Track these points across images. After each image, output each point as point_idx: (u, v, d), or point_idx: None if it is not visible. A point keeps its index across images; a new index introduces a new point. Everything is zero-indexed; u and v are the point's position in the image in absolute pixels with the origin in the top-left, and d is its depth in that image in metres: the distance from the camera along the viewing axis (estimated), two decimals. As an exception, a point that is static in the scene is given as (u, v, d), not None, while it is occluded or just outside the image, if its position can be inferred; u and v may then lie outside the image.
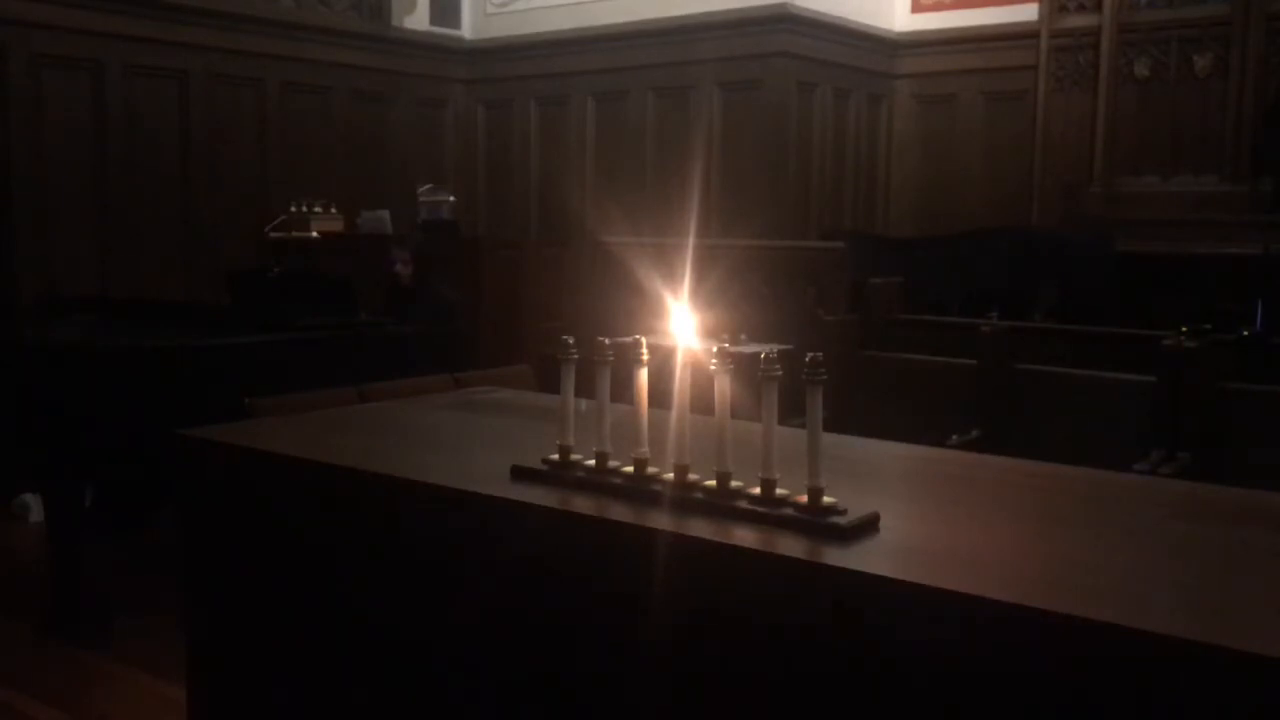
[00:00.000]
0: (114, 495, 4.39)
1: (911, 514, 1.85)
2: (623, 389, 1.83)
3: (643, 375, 1.79)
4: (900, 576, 1.45)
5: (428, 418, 2.61)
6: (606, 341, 1.85)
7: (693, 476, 1.75)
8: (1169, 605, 1.41)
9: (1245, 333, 4.92)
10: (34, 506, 5.20)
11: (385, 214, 8.01)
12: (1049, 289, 6.87)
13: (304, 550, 2.12)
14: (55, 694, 3.68)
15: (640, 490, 1.78)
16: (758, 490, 1.68)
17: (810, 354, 1.62)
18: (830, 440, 1.74)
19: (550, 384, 2.68)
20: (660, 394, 1.77)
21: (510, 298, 7.31)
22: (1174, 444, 4.08)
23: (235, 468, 2.24)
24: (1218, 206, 7.75)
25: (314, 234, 7.97)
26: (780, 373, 1.66)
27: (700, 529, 1.65)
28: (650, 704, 1.67)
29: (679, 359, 1.73)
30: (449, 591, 1.90)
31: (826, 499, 1.63)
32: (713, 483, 1.73)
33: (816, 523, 1.61)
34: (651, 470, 1.79)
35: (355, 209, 8.20)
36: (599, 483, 1.83)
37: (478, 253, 7.49)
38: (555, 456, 1.90)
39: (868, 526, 1.62)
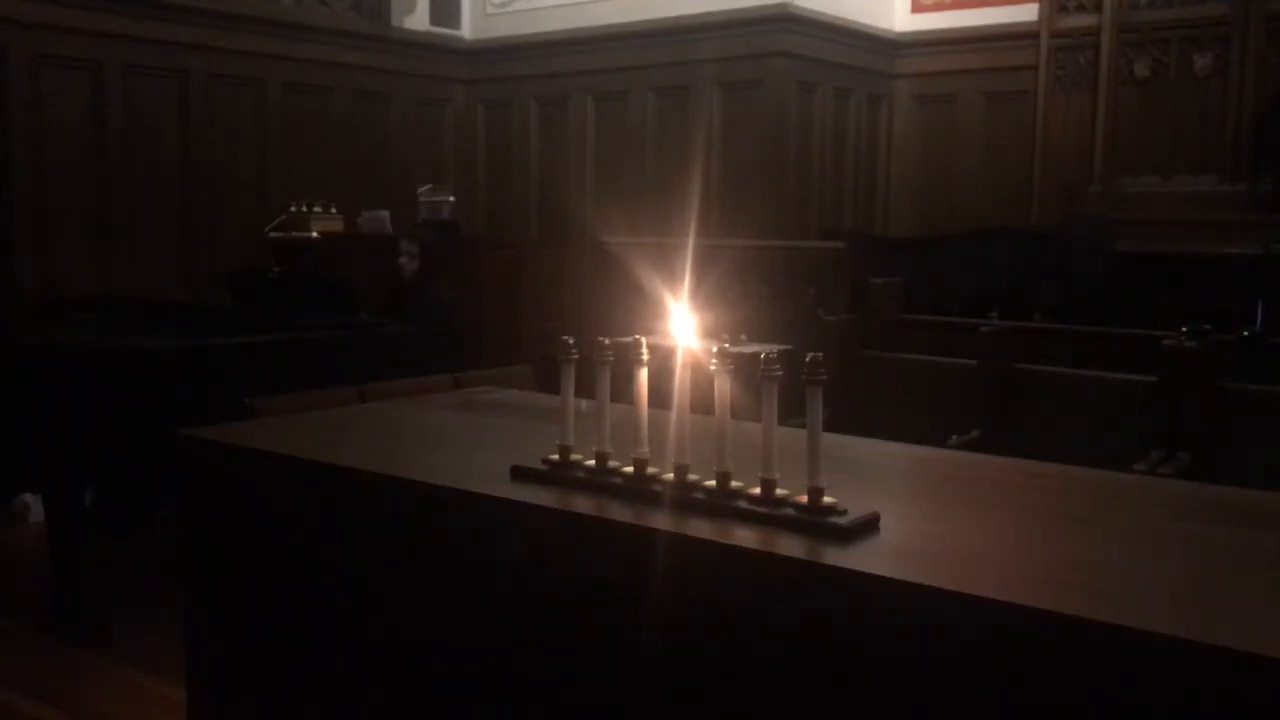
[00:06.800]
0: (114, 495, 4.40)
1: (911, 514, 1.85)
2: (623, 389, 1.83)
3: (643, 375, 1.79)
4: (900, 576, 1.45)
5: (428, 418, 2.61)
6: (606, 341, 1.85)
7: (693, 476, 1.75)
8: (1169, 605, 1.41)
9: (1245, 333, 4.92)
10: (34, 506, 5.20)
11: (385, 214, 8.02)
12: (1049, 289, 6.87)
13: (304, 550, 2.12)
14: (55, 694, 3.68)
15: (640, 490, 1.78)
16: (758, 490, 1.68)
17: (810, 354, 1.62)
18: (830, 440, 1.74)
19: (550, 384, 2.68)
20: (660, 394, 1.77)
21: (510, 298, 7.31)
22: (1174, 444, 4.08)
23: (235, 468, 2.24)
24: (1218, 206, 7.75)
25: (314, 234, 7.97)
26: (780, 373, 1.66)
27: (700, 529, 1.65)
28: (650, 704, 1.67)
29: (679, 359, 1.73)
30: (449, 591, 1.90)
31: (826, 499, 1.63)
32: (713, 483, 1.73)
33: (816, 523, 1.61)
34: (651, 470, 1.79)
35: (355, 209, 8.20)
36: (599, 483, 1.83)
37: (478, 253, 7.49)
38: (555, 456, 1.90)
39: (868, 526, 1.62)
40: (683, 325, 1.77)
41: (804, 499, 1.64)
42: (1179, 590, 1.48)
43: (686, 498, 1.73)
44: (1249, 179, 7.76)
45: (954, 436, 4.40)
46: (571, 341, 1.87)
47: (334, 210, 8.19)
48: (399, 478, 1.97)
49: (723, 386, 1.70)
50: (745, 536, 1.61)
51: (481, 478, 1.92)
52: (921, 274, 6.39)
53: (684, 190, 8.15)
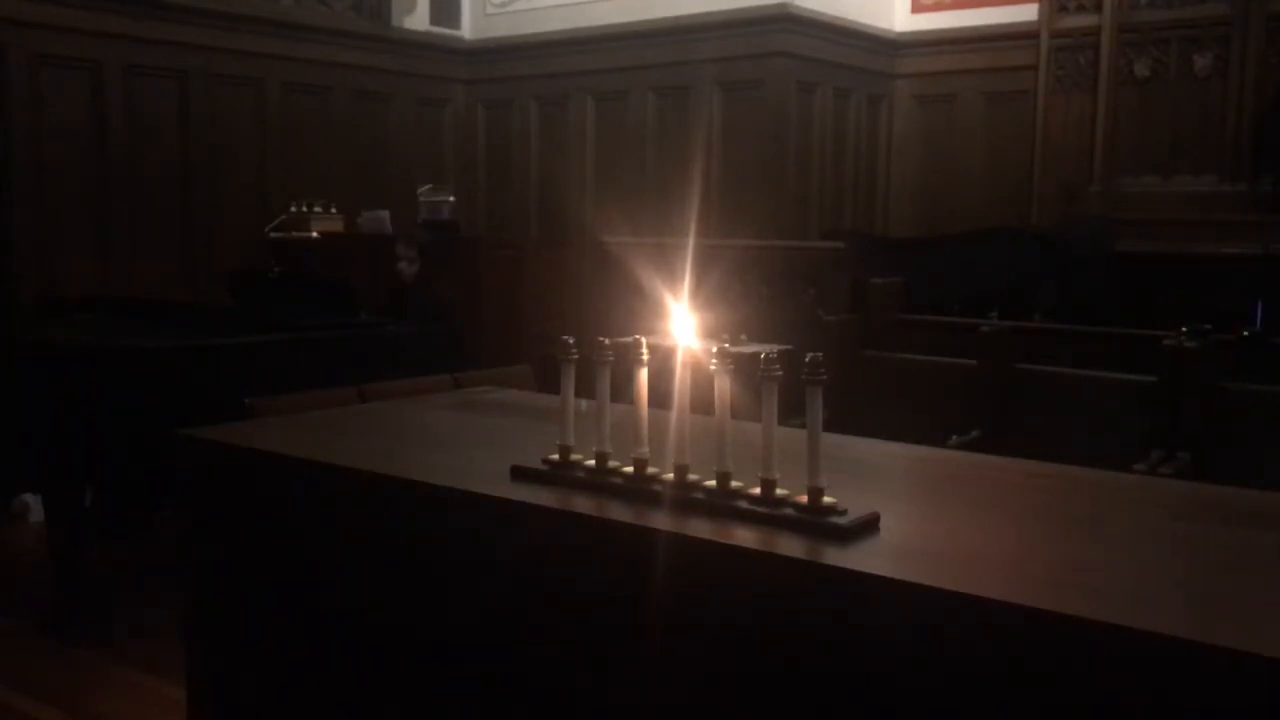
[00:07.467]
0: (114, 495, 4.39)
1: (911, 514, 1.85)
2: (623, 389, 1.83)
3: (643, 375, 1.79)
4: (900, 576, 1.45)
5: (428, 418, 2.61)
6: (606, 341, 1.85)
7: (693, 476, 1.75)
8: (1169, 605, 1.41)
9: (1245, 333, 4.92)
10: (34, 506, 5.20)
11: (385, 214, 8.02)
12: (1049, 289, 6.86)
13: (304, 550, 2.12)
14: (55, 694, 3.68)
15: (640, 490, 1.78)
16: (758, 490, 1.68)
17: (810, 354, 1.62)
18: (830, 440, 1.74)
19: (550, 384, 2.68)
20: (660, 394, 1.77)
21: (510, 298, 7.31)
22: (1174, 444, 4.08)
23: (235, 468, 2.24)
24: (1218, 206, 7.75)
25: (314, 234, 7.97)
26: (780, 373, 1.66)
27: (700, 529, 1.65)
28: (650, 704, 1.67)
29: (679, 359, 1.73)
30: (449, 591, 1.90)
31: (826, 499, 1.63)
32: (713, 483, 1.73)
33: (816, 523, 1.61)
34: (651, 470, 1.79)
35: (355, 209, 8.20)
36: (599, 483, 1.83)
37: (478, 253, 7.49)
38: (555, 456, 1.90)
39: (868, 526, 1.62)
40: (683, 325, 1.77)
41: (804, 499, 1.64)
42: (1179, 590, 1.48)
43: (686, 498, 1.73)
44: (1249, 179, 7.76)
45: (954, 436, 4.40)
46: (571, 341, 1.87)
47: (334, 210, 8.19)
48: (399, 478, 1.97)
49: (723, 386, 1.70)
50: (745, 536, 1.61)
51: (481, 478, 1.92)
52: (921, 274, 6.38)
53: (684, 190, 8.15)
